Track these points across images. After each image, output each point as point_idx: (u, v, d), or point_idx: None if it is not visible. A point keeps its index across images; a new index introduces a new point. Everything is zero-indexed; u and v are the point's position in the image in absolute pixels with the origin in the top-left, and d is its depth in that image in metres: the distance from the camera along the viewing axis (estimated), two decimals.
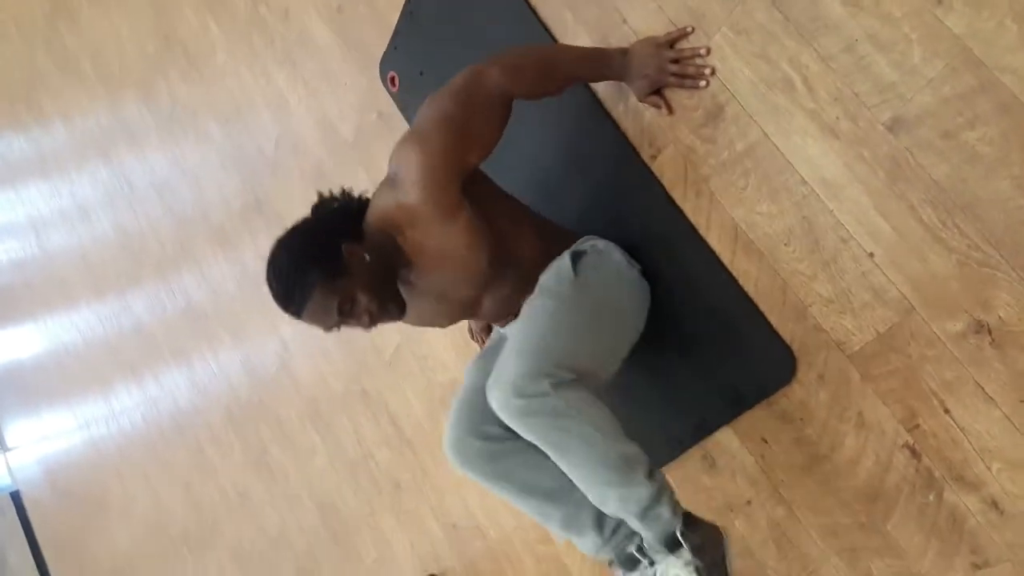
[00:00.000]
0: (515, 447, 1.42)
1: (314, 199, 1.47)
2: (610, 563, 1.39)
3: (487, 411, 1.37)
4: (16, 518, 9.29)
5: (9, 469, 9.82)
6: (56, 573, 8.87)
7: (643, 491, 1.25)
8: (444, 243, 1.34)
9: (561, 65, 1.39)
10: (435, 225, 1.32)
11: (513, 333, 1.36)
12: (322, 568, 3.17)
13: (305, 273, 1.31)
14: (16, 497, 9.50)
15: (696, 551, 1.24)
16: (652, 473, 1.27)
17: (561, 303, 1.36)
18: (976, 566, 1.21)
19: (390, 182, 1.35)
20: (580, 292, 1.39)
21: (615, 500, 1.26)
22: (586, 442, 1.25)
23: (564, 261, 1.43)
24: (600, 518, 1.39)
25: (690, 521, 1.28)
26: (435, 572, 2.48)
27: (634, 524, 1.28)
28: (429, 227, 1.33)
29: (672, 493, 1.29)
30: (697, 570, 1.22)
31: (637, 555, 1.32)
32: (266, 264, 1.38)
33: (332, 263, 1.32)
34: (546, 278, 1.43)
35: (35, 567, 8.92)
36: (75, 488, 7.29)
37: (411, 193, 1.31)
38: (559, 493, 1.41)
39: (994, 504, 1.17)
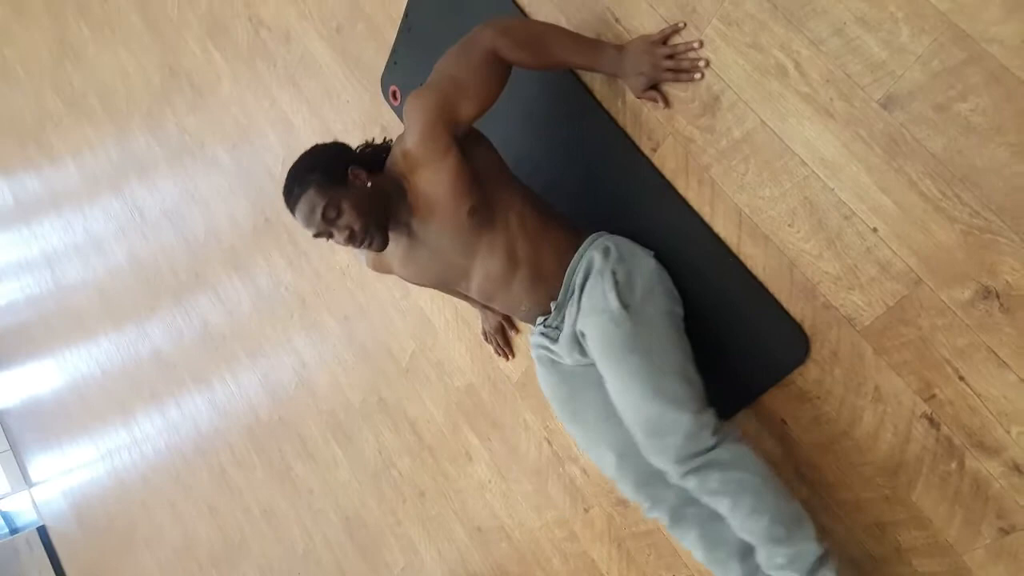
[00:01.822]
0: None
1: None
2: None
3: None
4: (44, 553, 9.35)
5: (35, 505, 9.89)
6: None
7: (812, 550, 1.31)
8: (433, 186, 1.45)
9: (555, 45, 1.44)
10: (427, 168, 1.44)
11: (628, 398, 1.38)
12: None
13: (309, 173, 1.46)
14: (43, 532, 9.56)
15: None
16: (819, 536, 1.33)
17: (645, 346, 1.39)
18: (1004, 531, 1.23)
19: (401, 136, 1.49)
20: (646, 325, 1.41)
21: (784, 557, 1.32)
22: (754, 493, 1.32)
23: (611, 303, 1.42)
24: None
25: None
26: None
27: None
28: (423, 170, 1.45)
29: (836, 558, 1.33)
30: None
31: None
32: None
33: (335, 174, 1.46)
34: (604, 327, 1.42)
35: None
36: (101, 519, 7.34)
37: (409, 139, 1.45)
38: (740, 549, 1.44)
39: (1016, 467, 1.19)
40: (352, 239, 1.47)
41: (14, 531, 10.13)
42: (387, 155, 1.53)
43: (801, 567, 1.30)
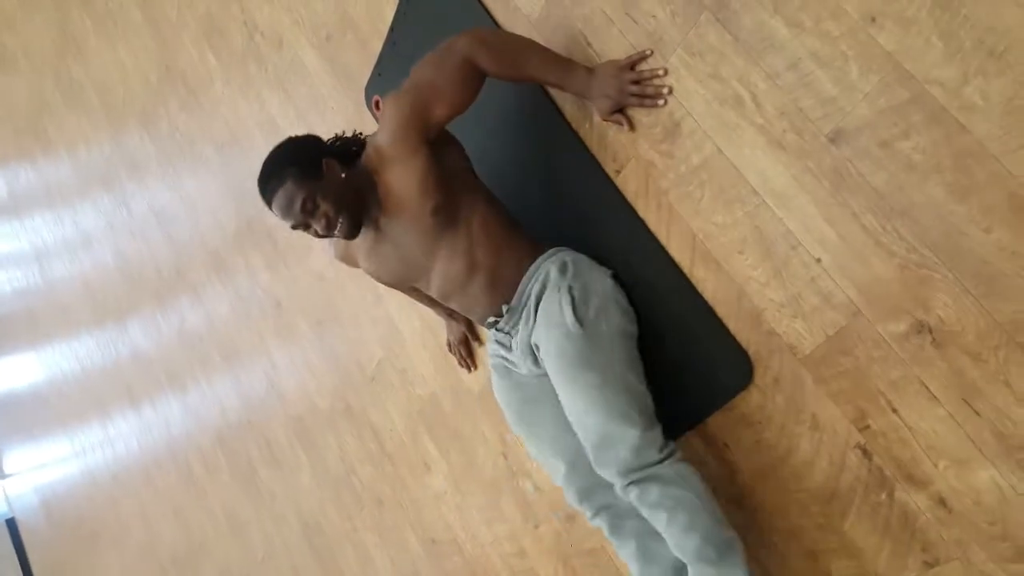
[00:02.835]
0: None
1: None
2: None
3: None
4: (11, 545, 9.25)
5: (6, 497, 9.80)
6: None
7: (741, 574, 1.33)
8: (401, 183, 1.50)
9: (528, 60, 1.48)
10: (396, 164, 1.49)
11: (579, 411, 1.42)
12: None
13: (285, 167, 1.50)
14: (12, 524, 9.46)
15: None
16: (746, 562, 1.35)
17: (598, 362, 1.42)
18: (928, 564, 1.24)
19: (376, 133, 1.54)
20: (600, 340, 1.44)
21: None
22: (689, 511, 1.35)
23: (567, 317, 1.44)
24: None
25: None
26: None
27: None
28: (393, 167, 1.50)
29: None
30: None
31: None
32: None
33: (310, 167, 1.50)
34: (558, 342, 1.45)
35: None
36: (70, 516, 7.28)
37: (382, 135, 1.51)
38: (674, 566, 1.46)
39: (942, 501, 1.21)
40: (329, 227, 1.52)
41: None
42: (357, 148, 1.58)
43: None
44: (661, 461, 1.38)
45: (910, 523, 1.25)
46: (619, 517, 1.51)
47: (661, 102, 1.43)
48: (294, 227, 1.54)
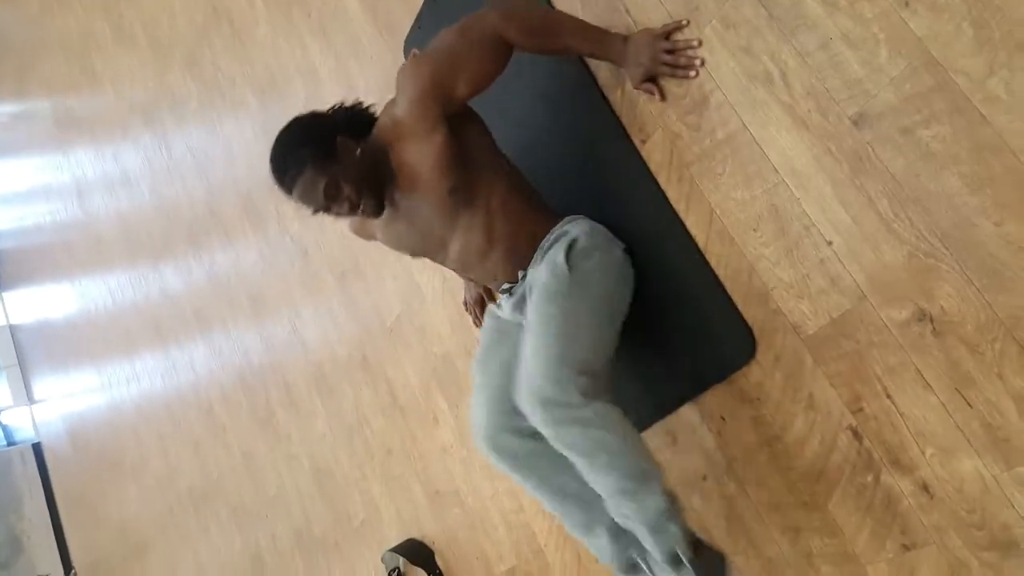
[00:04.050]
0: (547, 447, 1.47)
1: None
2: (616, 570, 1.47)
3: (516, 410, 1.48)
4: (36, 469, 9.58)
5: (34, 422, 10.12)
6: (68, 524, 9.12)
7: (658, 503, 1.34)
8: (418, 159, 1.47)
9: (562, 32, 1.48)
10: (413, 140, 1.46)
11: (529, 339, 1.42)
12: (312, 527, 3.28)
13: (300, 152, 1.46)
14: (37, 449, 9.79)
15: (697, 571, 1.32)
16: (667, 491, 1.36)
17: (569, 305, 1.43)
18: (905, 547, 1.27)
19: (392, 100, 1.49)
20: (581, 288, 1.46)
21: (630, 509, 1.35)
22: (611, 451, 1.34)
23: (559, 258, 1.47)
24: (615, 528, 1.46)
25: (696, 544, 1.35)
26: (416, 536, 2.57)
27: (643, 536, 1.36)
28: (409, 142, 1.46)
29: (683, 513, 1.37)
30: None
31: (639, 562, 1.41)
32: (272, 144, 1.51)
33: (325, 149, 1.46)
34: (545, 279, 1.47)
35: (48, 517, 9.18)
36: (93, 445, 7.51)
37: (399, 107, 1.47)
38: (581, 495, 1.49)
39: (925, 487, 1.23)
40: (353, 209, 1.49)
41: (11, 444, 10.39)
42: (364, 118, 1.55)
43: (645, 519, 1.33)
44: (583, 405, 1.34)
45: (892, 506, 1.27)
46: (522, 457, 1.51)
47: (693, 73, 1.44)
48: (315, 212, 1.50)
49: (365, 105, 1.60)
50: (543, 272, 1.49)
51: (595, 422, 1.34)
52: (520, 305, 1.58)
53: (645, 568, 1.40)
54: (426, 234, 1.58)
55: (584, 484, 1.43)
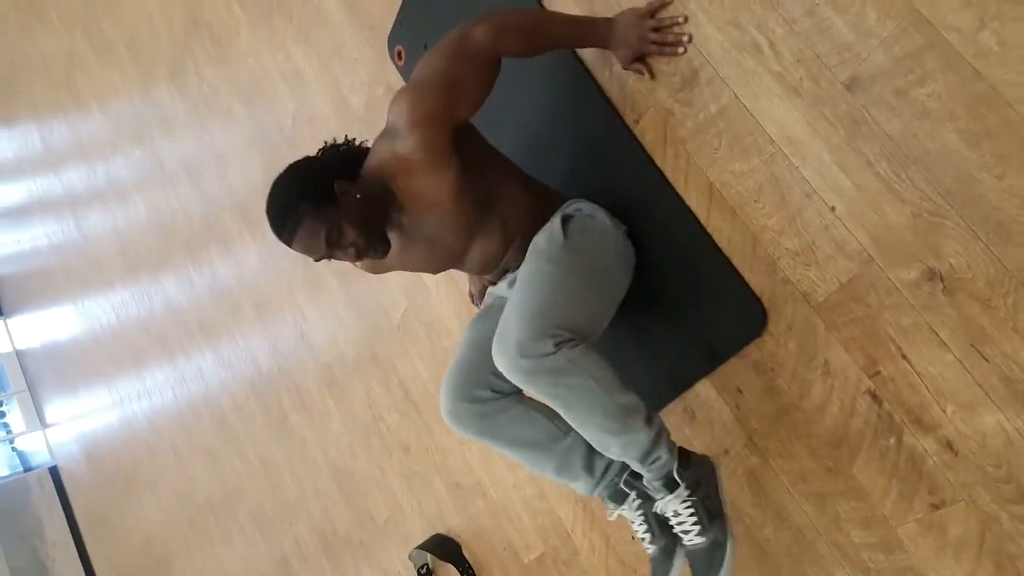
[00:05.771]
0: (501, 405, 1.54)
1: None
2: (604, 500, 1.53)
3: (478, 372, 1.52)
4: (54, 492, 9.63)
5: (48, 445, 10.17)
6: (91, 545, 9.19)
7: (642, 437, 1.36)
8: (434, 191, 1.44)
9: (548, 30, 1.47)
10: (426, 173, 1.42)
11: (512, 296, 1.44)
12: (336, 528, 3.30)
13: (298, 203, 1.42)
14: (54, 472, 9.84)
15: (692, 487, 1.38)
16: (650, 419, 1.38)
17: (556, 267, 1.44)
18: (934, 506, 1.28)
19: (387, 132, 1.45)
20: (572, 255, 1.46)
21: (617, 447, 1.37)
22: (588, 396, 1.35)
23: (555, 225, 1.50)
24: (589, 461, 1.51)
25: (684, 458, 1.40)
26: (442, 531, 2.58)
27: (636, 468, 1.40)
28: (420, 175, 1.43)
29: (667, 435, 1.40)
30: (693, 505, 1.37)
31: (625, 488, 1.47)
32: (267, 196, 1.48)
33: (324, 196, 1.42)
34: (538, 242, 1.50)
35: (71, 539, 9.25)
36: (109, 463, 7.55)
37: (405, 142, 1.41)
38: (548, 443, 1.54)
39: (949, 445, 1.24)
40: (359, 255, 1.46)
41: (28, 469, 10.45)
42: (355, 155, 1.51)
43: (636, 455, 1.36)
44: (555, 352, 1.32)
45: (917, 466, 1.28)
46: (484, 419, 1.52)
47: (681, 50, 1.43)
48: (318, 260, 1.46)
49: (355, 141, 1.56)
50: (539, 238, 1.50)
51: (568, 368, 1.32)
52: (515, 281, 1.58)
53: (627, 489, 1.48)
54: (444, 250, 1.55)
55: (550, 430, 1.51)
